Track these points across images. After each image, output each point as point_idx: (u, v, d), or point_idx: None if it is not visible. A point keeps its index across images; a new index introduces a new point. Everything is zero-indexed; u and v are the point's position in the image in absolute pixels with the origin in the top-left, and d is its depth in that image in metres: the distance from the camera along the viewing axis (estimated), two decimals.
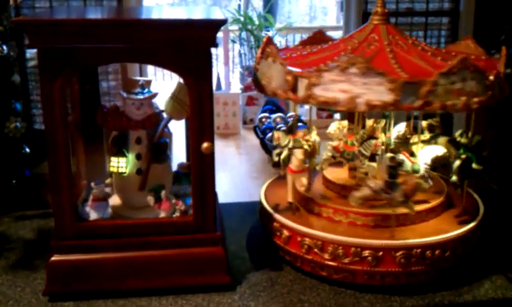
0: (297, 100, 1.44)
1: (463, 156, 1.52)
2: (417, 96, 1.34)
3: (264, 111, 5.98)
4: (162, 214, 1.50)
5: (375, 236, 1.42)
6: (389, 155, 1.48)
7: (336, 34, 5.16)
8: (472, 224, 1.50)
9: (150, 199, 1.52)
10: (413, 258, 1.40)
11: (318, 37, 1.77)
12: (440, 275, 1.48)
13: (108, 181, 1.67)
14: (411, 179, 1.46)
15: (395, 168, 1.44)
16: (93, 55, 1.34)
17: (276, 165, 1.70)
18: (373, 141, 1.60)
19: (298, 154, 1.54)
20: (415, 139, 1.63)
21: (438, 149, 1.54)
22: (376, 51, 1.47)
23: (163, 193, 1.52)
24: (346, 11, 5.13)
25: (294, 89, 1.43)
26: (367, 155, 1.59)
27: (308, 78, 1.39)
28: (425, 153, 1.54)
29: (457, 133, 1.57)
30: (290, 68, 1.45)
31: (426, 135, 1.66)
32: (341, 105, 1.36)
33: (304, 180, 1.59)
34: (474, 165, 1.52)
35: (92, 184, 1.57)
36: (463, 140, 1.54)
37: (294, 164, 1.55)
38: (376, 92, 1.34)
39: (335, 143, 1.67)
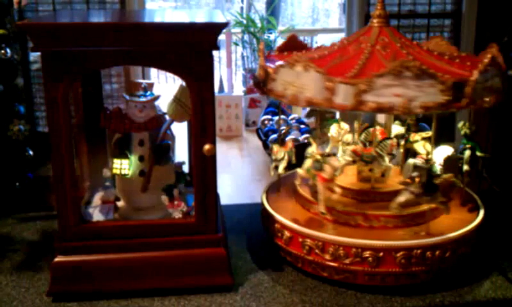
0: (345, 108, 1.37)
1: (468, 145, 1.58)
2: (464, 96, 1.35)
3: (266, 113, 6.00)
4: (176, 213, 1.52)
5: (376, 237, 1.43)
6: (413, 160, 1.48)
7: (339, 37, 5.17)
8: (472, 225, 1.50)
9: (165, 199, 1.54)
10: (414, 259, 1.41)
11: (292, 43, 1.77)
12: (440, 276, 1.49)
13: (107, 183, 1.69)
14: (448, 178, 1.45)
15: (422, 169, 1.44)
16: (96, 59, 1.36)
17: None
18: (389, 142, 1.61)
19: (333, 162, 1.50)
20: (415, 137, 1.66)
21: (448, 150, 1.57)
22: (394, 53, 1.48)
23: (175, 191, 1.53)
24: (348, 13, 5.15)
25: (337, 97, 1.38)
26: (383, 156, 1.60)
27: (357, 85, 1.35)
28: (439, 154, 1.57)
29: (460, 124, 1.63)
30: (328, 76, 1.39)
31: (422, 134, 1.68)
32: (396, 109, 1.35)
33: (337, 189, 1.54)
34: (478, 153, 1.59)
35: (100, 189, 1.57)
36: (466, 130, 1.60)
37: (328, 172, 1.50)
38: (429, 94, 1.34)
39: (353, 147, 1.64)
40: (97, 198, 1.65)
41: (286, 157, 1.63)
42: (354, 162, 1.63)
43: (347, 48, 1.58)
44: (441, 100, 1.34)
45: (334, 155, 1.59)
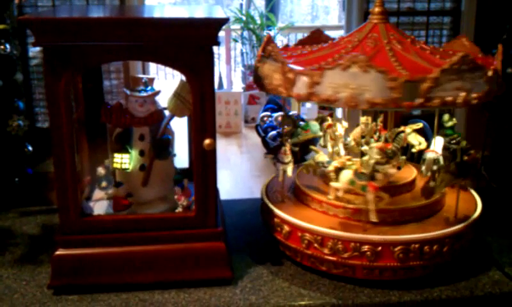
0: (412, 105, 1.36)
1: (455, 135, 1.63)
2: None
3: (265, 110, 6.01)
4: (185, 202, 1.53)
5: (374, 232, 1.45)
6: (432, 155, 1.54)
7: (338, 34, 5.17)
8: (469, 220, 1.52)
9: (178, 190, 1.56)
10: (411, 253, 1.42)
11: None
12: (437, 270, 1.50)
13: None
14: (474, 153, 1.51)
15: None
16: (98, 54, 1.37)
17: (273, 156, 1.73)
18: (402, 135, 1.64)
19: (390, 169, 1.46)
20: (406, 129, 1.68)
21: (442, 140, 1.62)
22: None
23: (185, 181, 1.55)
24: (348, 10, 5.15)
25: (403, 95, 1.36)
26: (399, 149, 1.63)
27: (425, 82, 1.34)
28: (438, 144, 1.60)
29: (446, 117, 1.65)
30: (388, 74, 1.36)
31: (413, 126, 1.71)
32: (457, 104, 1.36)
33: (383, 194, 1.49)
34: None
35: (110, 187, 1.58)
36: (451, 123, 1.64)
37: (381, 180, 1.45)
38: (478, 85, 1.39)
39: (376, 144, 1.56)
40: (106, 194, 1.65)
41: (292, 159, 1.61)
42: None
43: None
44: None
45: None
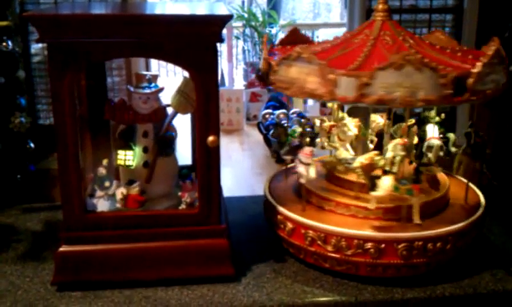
0: (461, 101, 1.38)
1: (442, 129, 1.69)
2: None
3: (267, 108, 6.01)
4: (188, 199, 1.53)
5: (377, 229, 1.45)
6: (436, 142, 1.59)
7: (340, 31, 5.17)
8: (473, 218, 1.52)
9: (188, 183, 1.57)
10: (415, 251, 1.43)
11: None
12: (441, 268, 1.50)
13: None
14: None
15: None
16: (102, 50, 1.37)
17: (280, 161, 1.72)
18: (413, 129, 1.66)
19: (440, 173, 1.49)
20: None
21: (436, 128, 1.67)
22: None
23: (193, 174, 1.56)
24: (350, 7, 5.15)
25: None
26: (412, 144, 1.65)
27: (472, 77, 1.37)
28: (434, 132, 1.64)
29: (432, 113, 1.69)
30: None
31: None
32: (491, 96, 1.42)
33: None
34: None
35: (123, 185, 1.57)
36: (438, 119, 1.70)
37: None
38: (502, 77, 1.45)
39: (397, 141, 1.55)
40: (119, 192, 1.63)
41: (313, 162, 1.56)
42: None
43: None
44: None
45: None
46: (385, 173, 1.44)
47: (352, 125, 1.68)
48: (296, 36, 1.77)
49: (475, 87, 1.37)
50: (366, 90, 1.35)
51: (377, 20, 1.57)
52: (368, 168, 1.48)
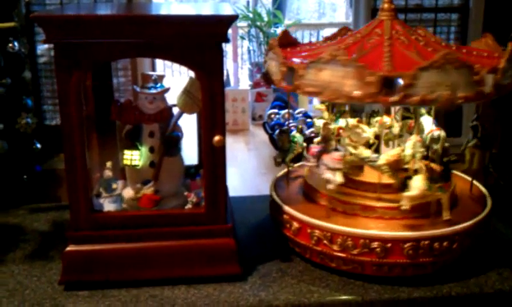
0: (491, 95, 1.39)
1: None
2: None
3: (273, 107, 6.00)
4: (194, 199, 1.53)
5: (383, 228, 1.45)
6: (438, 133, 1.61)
7: None
8: (479, 217, 1.51)
9: (198, 181, 1.59)
10: (421, 250, 1.42)
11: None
12: (447, 267, 1.50)
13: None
14: None
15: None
16: (108, 50, 1.38)
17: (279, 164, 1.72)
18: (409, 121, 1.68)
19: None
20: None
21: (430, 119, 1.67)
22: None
23: (202, 171, 1.55)
24: (355, 7, 5.15)
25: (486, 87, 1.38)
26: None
27: (499, 73, 1.39)
28: (428, 122, 1.65)
29: (422, 111, 1.69)
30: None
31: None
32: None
33: None
34: None
35: (138, 185, 1.57)
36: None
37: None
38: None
39: (416, 138, 1.56)
40: (126, 192, 1.64)
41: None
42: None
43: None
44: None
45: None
46: (415, 172, 1.44)
47: (365, 127, 1.64)
48: (287, 38, 1.73)
49: (501, 82, 1.39)
50: (409, 91, 1.33)
51: (386, 20, 1.56)
52: (394, 165, 1.47)
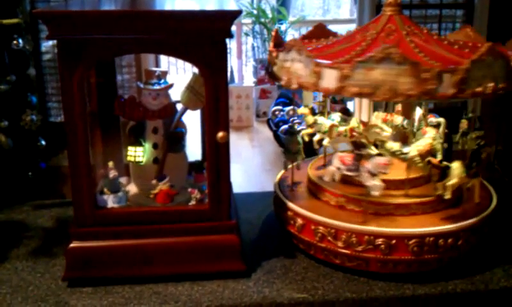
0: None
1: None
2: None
3: (277, 104, 5.99)
4: (198, 195, 1.53)
5: (388, 225, 1.44)
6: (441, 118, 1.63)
7: (350, 27, 5.15)
8: (485, 214, 1.51)
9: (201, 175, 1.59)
10: (426, 247, 1.42)
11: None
12: (452, 264, 1.49)
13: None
14: None
15: None
16: (112, 46, 1.37)
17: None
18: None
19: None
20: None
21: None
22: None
23: (206, 164, 1.55)
24: (360, 3, 5.13)
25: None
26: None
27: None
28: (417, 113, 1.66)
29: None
30: None
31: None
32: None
33: None
34: None
35: (154, 181, 1.57)
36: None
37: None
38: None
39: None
40: (130, 187, 1.64)
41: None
42: None
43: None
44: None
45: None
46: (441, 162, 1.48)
47: (385, 126, 1.61)
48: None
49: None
50: (463, 85, 1.33)
51: (395, 15, 1.55)
52: (425, 155, 1.48)
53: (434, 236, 1.42)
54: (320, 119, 1.69)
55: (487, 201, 1.59)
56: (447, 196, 1.46)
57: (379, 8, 1.59)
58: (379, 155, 1.51)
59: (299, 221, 1.53)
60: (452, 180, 1.46)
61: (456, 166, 1.46)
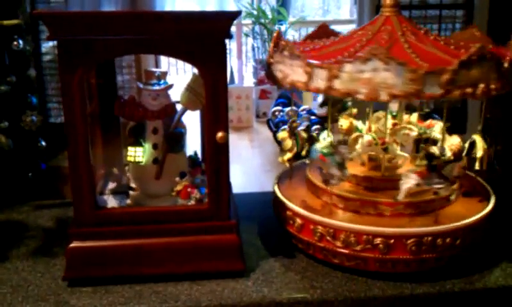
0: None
1: None
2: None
3: (277, 104, 6.00)
4: (198, 195, 1.54)
5: (386, 224, 1.45)
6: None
7: (350, 28, 5.15)
8: (483, 213, 1.51)
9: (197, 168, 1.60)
10: (424, 246, 1.42)
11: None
12: (450, 263, 1.50)
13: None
14: None
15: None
16: (111, 47, 1.38)
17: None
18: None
19: None
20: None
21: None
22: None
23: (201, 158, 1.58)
24: (359, 4, 5.14)
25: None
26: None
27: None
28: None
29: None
30: None
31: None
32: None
33: None
34: None
35: (177, 178, 1.57)
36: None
37: None
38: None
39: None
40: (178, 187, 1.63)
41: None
42: None
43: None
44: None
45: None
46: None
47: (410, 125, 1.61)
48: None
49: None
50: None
51: (392, 16, 1.56)
52: (458, 155, 1.52)
53: (433, 235, 1.42)
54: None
55: (486, 200, 1.59)
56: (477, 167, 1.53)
57: (379, 8, 1.59)
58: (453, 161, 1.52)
59: (298, 221, 1.53)
60: (479, 152, 1.54)
61: (479, 139, 1.54)
